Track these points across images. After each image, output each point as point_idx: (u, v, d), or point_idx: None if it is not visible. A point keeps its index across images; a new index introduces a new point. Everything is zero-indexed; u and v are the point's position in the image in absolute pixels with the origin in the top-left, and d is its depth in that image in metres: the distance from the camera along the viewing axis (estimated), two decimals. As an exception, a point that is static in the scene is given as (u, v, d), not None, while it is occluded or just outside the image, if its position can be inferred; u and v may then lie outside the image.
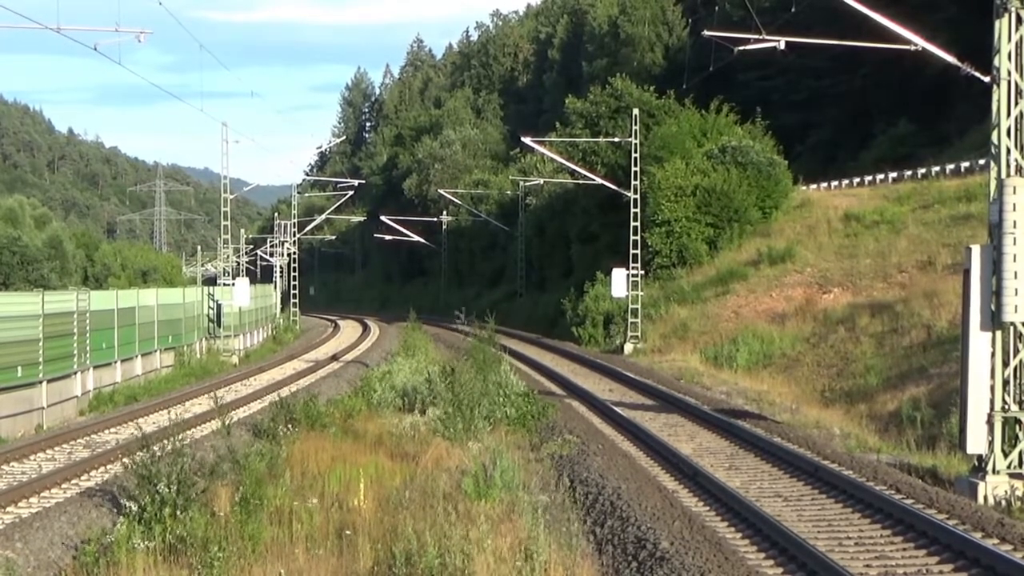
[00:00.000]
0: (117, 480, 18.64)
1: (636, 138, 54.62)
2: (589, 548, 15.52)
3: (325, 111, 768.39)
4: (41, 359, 30.41)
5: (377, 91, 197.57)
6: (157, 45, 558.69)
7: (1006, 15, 19.04)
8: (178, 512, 15.39)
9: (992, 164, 19.27)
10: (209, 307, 53.96)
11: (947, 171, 52.34)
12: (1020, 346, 19.01)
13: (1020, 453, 18.87)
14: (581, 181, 63.16)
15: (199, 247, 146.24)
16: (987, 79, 19.76)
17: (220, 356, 51.83)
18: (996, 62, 19.12)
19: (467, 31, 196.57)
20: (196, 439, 23.19)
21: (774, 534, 15.39)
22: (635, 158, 54.39)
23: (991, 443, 18.82)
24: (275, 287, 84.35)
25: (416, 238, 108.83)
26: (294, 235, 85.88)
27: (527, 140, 59.49)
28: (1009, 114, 19.03)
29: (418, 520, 14.65)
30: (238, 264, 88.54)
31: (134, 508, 15.87)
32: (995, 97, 19.13)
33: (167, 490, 15.62)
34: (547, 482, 19.68)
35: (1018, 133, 19.08)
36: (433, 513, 15.00)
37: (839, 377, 36.24)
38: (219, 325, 54.43)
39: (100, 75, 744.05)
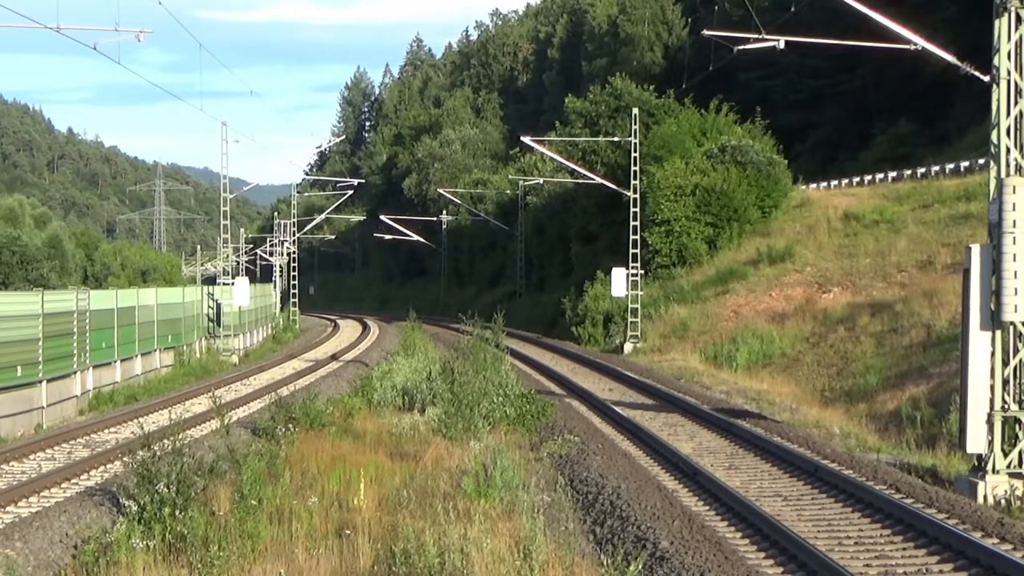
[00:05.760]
0: (117, 480, 18.63)
1: (636, 137, 54.62)
2: (588, 547, 15.52)
3: (325, 111, 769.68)
4: (41, 359, 30.40)
5: (377, 91, 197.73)
6: (157, 45, 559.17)
7: (1006, 15, 19.04)
8: (178, 511, 15.37)
9: (992, 164, 19.27)
10: (209, 307, 53.97)
11: (947, 171, 52.36)
12: (1020, 345, 19.01)
13: (1020, 452, 18.87)
14: (581, 181, 63.16)
15: (199, 246, 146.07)
16: (987, 78, 19.77)
17: (220, 355, 51.84)
18: (996, 61, 19.11)
19: (467, 31, 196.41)
20: (196, 439, 23.17)
21: (774, 534, 15.39)
22: (635, 157, 54.38)
23: (991, 443, 18.82)
24: (275, 286, 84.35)
25: (416, 238, 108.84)
26: (294, 235, 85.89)
27: (527, 140, 59.52)
28: (1009, 113, 19.03)
29: (417, 519, 14.65)
30: (238, 263, 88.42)
31: (134, 507, 15.85)
32: (995, 97, 19.13)
33: (167, 489, 15.60)
34: (547, 481, 19.66)
35: (1018, 133, 19.07)
36: (433, 512, 14.99)
37: (839, 377, 36.23)
38: (219, 324, 54.43)
39: (100, 75, 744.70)
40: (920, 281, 39.70)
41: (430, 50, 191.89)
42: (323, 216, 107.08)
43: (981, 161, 46.30)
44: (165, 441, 16.44)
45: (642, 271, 53.88)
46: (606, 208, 64.34)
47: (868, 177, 59.13)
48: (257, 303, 66.67)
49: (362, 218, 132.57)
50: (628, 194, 53.97)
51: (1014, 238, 18.45)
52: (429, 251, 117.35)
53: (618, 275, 52.54)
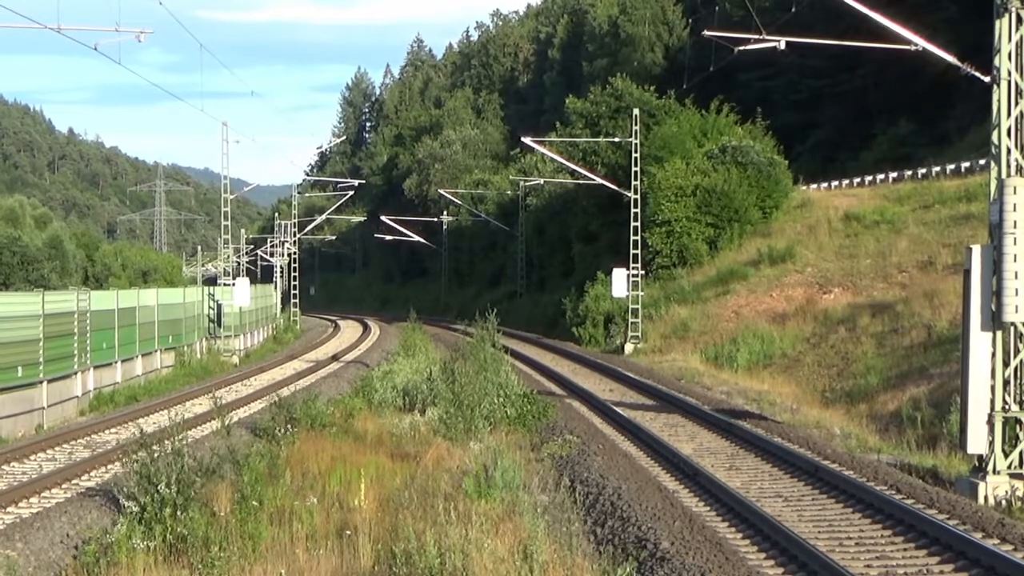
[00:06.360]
0: (117, 480, 18.63)
1: (636, 138, 54.61)
2: (589, 548, 15.51)
3: (325, 111, 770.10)
4: (41, 359, 30.40)
5: (377, 91, 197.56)
6: (158, 45, 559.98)
7: (1006, 15, 19.04)
8: (178, 512, 15.38)
9: (992, 164, 19.27)
10: (209, 307, 53.97)
11: (947, 171, 52.35)
12: (1020, 346, 19.01)
13: (1020, 453, 18.86)
14: (581, 181, 63.16)
15: (199, 247, 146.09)
16: (987, 79, 19.77)
17: (220, 356, 51.83)
18: (996, 62, 19.11)
19: (467, 31, 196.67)
20: (196, 439, 23.18)
21: (775, 534, 15.39)
22: (635, 158, 54.38)
23: (991, 443, 18.82)
24: (275, 287, 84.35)
25: (416, 238, 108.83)
26: (294, 235, 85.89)
27: (527, 140, 59.48)
28: (1009, 114, 19.03)
29: (418, 520, 14.65)
30: (238, 264, 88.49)
31: (134, 508, 15.86)
32: (995, 97, 19.13)
33: (167, 490, 15.61)
34: (547, 482, 19.65)
35: (1018, 133, 19.07)
36: (433, 513, 14.99)
37: (839, 377, 36.22)
38: (219, 325, 54.43)
39: (100, 75, 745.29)
40: (921, 282, 39.69)
41: (431, 50, 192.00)
42: (324, 217, 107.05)
43: (982, 161, 46.29)
44: (166, 441, 16.44)
45: (643, 272, 53.87)
46: (606, 208, 64.34)
47: (868, 177, 59.11)
48: (258, 304, 66.68)
49: (363, 219, 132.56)
50: (629, 195, 53.96)
51: (1015, 239, 18.45)
52: (430, 251, 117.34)
53: (619, 276, 52.54)
